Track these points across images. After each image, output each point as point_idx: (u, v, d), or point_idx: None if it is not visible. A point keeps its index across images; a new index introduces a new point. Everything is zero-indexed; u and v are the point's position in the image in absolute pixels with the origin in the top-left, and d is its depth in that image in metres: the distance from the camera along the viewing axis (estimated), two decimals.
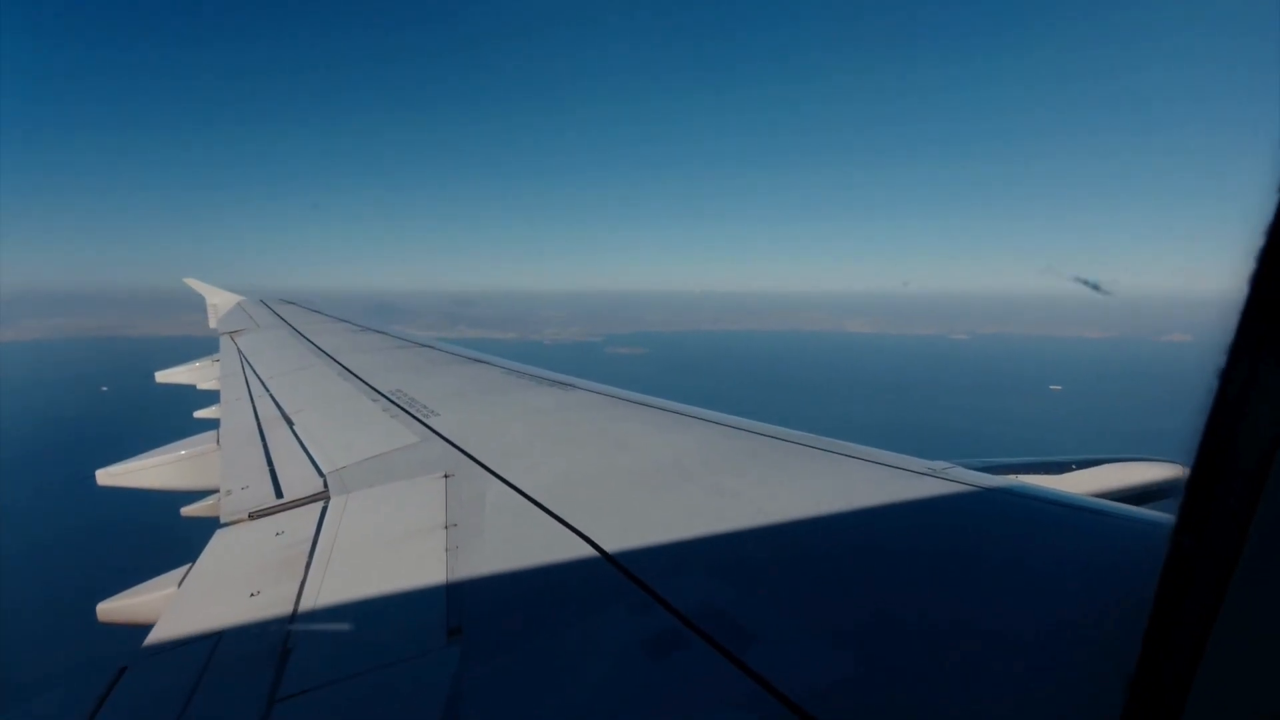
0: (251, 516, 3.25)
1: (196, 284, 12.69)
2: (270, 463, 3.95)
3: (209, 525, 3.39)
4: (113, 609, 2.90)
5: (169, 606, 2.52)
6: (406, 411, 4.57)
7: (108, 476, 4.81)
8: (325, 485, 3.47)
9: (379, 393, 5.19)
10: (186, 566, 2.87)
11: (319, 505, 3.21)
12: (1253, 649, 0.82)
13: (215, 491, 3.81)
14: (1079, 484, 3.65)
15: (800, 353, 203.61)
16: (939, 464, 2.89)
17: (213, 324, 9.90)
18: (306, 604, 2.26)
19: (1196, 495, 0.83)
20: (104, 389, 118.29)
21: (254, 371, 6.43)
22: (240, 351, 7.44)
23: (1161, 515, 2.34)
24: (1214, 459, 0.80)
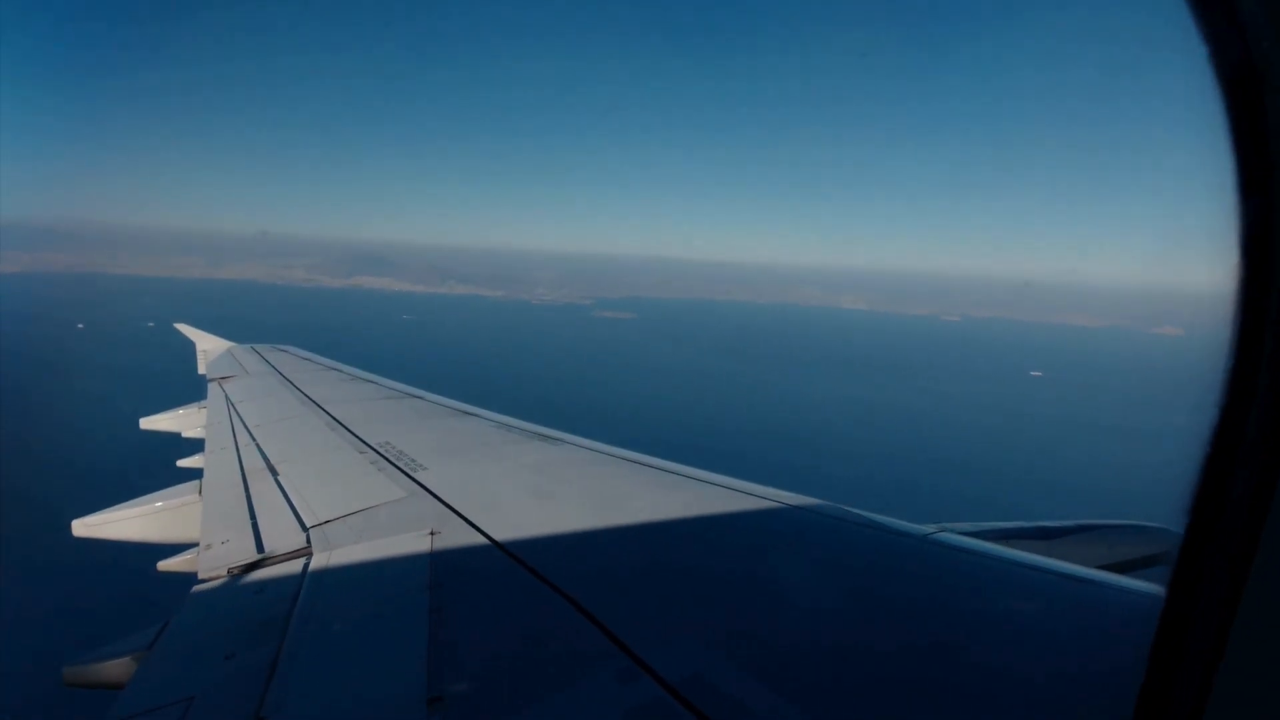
0: (230, 573, 3.09)
1: (188, 329, 12.24)
2: (253, 516, 3.79)
3: (186, 581, 3.22)
4: (79, 672, 2.73)
5: (139, 669, 2.44)
6: (394, 465, 4.45)
7: (84, 527, 4.54)
8: (308, 541, 3.32)
9: (367, 444, 5.05)
10: (160, 625, 2.73)
11: (301, 562, 3.10)
12: None
13: (195, 545, 3.62)
14: (1069, 553, 3.74)
15: (792, 327, 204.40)
16: (929, 526, 2.97)
17: (202, 370, 9.71)
18: (283, 669, 2.17)
19: (1191, 556, 0.78)
20: (80, 326, 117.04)
21: (241, 420, 6.29)
22: (228, 399, 7.30)
23: (1147, 585, 2.36)
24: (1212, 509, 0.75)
